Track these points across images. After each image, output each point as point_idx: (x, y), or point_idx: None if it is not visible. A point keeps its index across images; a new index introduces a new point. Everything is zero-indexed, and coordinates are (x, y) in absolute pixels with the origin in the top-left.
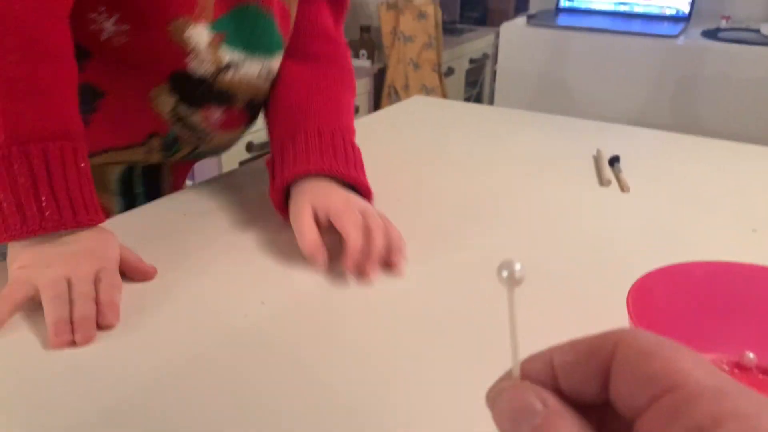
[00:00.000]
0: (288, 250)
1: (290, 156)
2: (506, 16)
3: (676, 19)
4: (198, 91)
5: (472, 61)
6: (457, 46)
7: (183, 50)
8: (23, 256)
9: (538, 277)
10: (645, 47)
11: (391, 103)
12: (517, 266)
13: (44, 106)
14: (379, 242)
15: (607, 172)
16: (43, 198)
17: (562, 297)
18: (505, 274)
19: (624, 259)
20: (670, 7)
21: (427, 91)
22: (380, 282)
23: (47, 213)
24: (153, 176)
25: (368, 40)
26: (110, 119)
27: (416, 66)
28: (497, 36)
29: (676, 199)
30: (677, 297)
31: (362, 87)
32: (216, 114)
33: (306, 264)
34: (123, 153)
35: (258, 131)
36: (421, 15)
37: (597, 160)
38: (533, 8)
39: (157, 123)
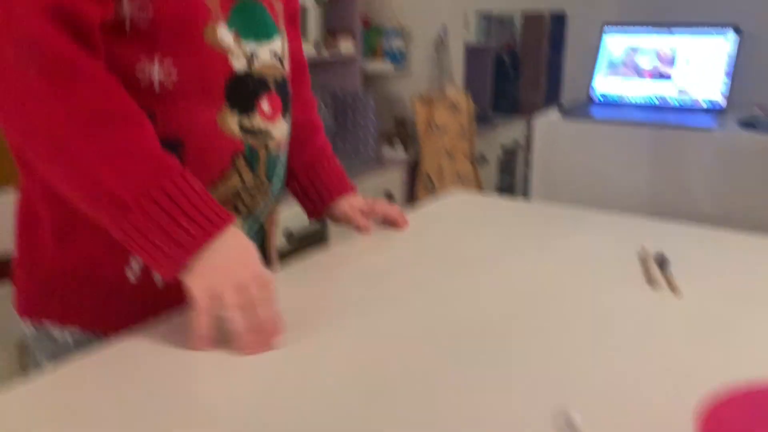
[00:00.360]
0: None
1: (318, 188)
2: (537, 106)
3: (711, 110)
4: (247, 90)
5: (504, 149)
6: (489, 135)
7: (223, 53)
8: (195, 277)
9: (589, 393)
10: (682, 139)
11: (426, 191)
12: (578, 419)
13: (141, 158)
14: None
15: (655, 272)
16: (183, 222)
17: (617, 418)
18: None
19: (685, 373)
20: (704, 99)
21: (461, 179)
22: (431, 394)
23: (193, 231)
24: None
25: (403, 132)
26: (198, 162)
27: (450, 155)
28: (529, 125)
29: (732, 301)
30: (751, 421)
31: (397, 176)
32: (264, 106)
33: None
34: (223, 186)
35: (295, 218)
36: (454, 107)
37: (643, 259)
38: (565, 100)
39: (233, 143)
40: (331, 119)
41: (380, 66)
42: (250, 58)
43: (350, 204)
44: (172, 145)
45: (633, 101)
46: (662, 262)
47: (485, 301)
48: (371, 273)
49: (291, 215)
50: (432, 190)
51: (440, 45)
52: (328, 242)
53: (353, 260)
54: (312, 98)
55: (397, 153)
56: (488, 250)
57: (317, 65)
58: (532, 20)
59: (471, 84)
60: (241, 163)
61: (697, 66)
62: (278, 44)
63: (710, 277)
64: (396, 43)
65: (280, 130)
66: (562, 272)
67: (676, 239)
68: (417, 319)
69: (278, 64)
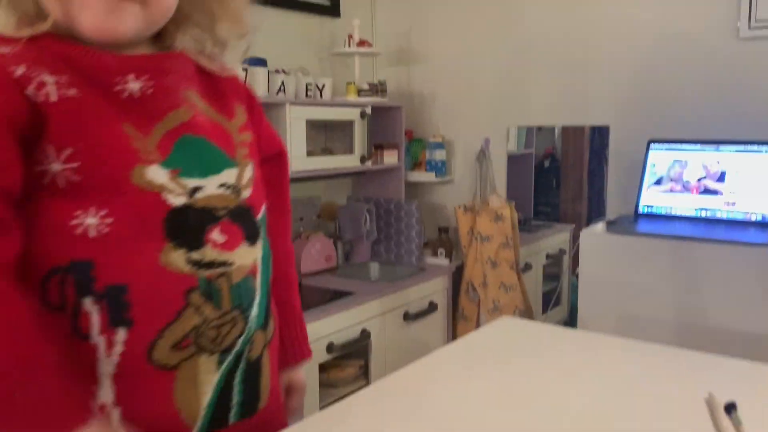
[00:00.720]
0: None
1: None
2: (579, 214)
3: (762, 224)
4: (189, 224)
5: (548, 256)
6: (533, 243)
7: (154, 191)
8: None
9: None
10: (733, 255)
11: (469, 299)
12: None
13: None
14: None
15: (725, 423)
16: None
17: None
18: None
19: None
20: (755, 213)
21: (505, 288)
22: None
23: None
24: (252, 381)
25: (446, 240)
26: (146, 305)
27: (494, 264)
28: (572, 233)
29: None
30: None
31: (440, 284)
32: (216, 236)
33: None
34: (180, 325)
35: (338, 332)
36: (498, 217)
37: (710, 406)
38: (611, 213)
39: (184, 280)
40: (375, 228)
41: (423, 176)
42: (191, 193)
43: (298, 376)
44: (116, 291)
45: (680, 215)
46: (730, 409)
47: None
48: (416, 409)
49: (329, 326)
50: (475, 298)
51: (482, 156)
52: (370, 353)
53: (396, 396)
54: (289, 250)
55: (441, 261)
56: (539, 385)
57: (362, 175)
58: (572, 130)
59: (513, 192)
60: (198, 298)
61: (747, 181)
62: (231, 175)
63: None
64: (438, 155)
65: (244, 257)
66: (621, 414)
67: (746, 379)
68: None
69: (229, 194)
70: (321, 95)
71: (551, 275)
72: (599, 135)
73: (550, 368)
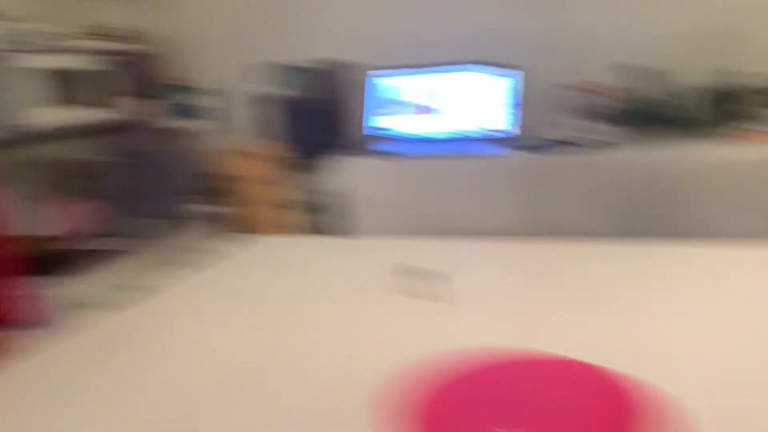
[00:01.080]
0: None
1: None
2: (338, 149)
3: (502, 139)
4: None
5: (316, 192)
6: (299, 180)
7: None
8: None
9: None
10: (479, 167)
11: (244, 241)
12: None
13: None
14: None
15: (418, 286)
16: None
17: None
18: None
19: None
20: (495, 129)
21: (279, 226)
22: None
23: None
24: None
25: (216, 187)
26: None
27: (266, 204)
28: (336, 169)
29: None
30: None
31: (214, 230)
32: None
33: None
34: None
35: (108, 292)
36: (263, 157)
37: (403, 274)
38: (359, 141)
39: None
40: (140, 182)
41: (186, 123)
42: None
43: None
44: None
45: (427, 136)
46: (413, 272)
47: (258, 341)
48: (164, 322)
49: (95, 287)
50: (250, 239)
51: (240, 99)
52: None
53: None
54: None
55: (212, 208)
56: (274, 290)
57: (119, 128)
58: (324, 70)
59: (277, 133)
60: None
61: (463, 98)
62: None
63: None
64: (200, 101)
65: None
66: (326, 300)
67: (466, 254)
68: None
69: None
70: (60, 43)
71: (321, 207)
72: (343, 70)
73: (293, 273)
